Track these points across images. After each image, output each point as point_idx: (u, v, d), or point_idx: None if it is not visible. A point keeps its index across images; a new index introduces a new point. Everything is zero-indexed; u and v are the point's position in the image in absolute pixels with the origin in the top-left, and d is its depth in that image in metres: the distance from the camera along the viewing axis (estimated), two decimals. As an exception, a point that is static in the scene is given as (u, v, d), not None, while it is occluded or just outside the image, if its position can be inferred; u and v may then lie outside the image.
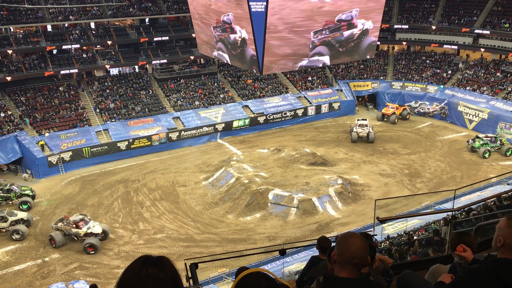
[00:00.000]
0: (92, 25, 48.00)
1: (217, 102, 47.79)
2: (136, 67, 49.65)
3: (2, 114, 40.16)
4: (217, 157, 40.40)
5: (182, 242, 28.39)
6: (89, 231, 27.92)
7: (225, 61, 15.27)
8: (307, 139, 44.64)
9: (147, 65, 49.72)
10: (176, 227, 30.21)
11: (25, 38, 43.61)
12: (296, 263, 23.50)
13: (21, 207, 31.78)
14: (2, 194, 32.43)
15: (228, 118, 46.02)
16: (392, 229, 25.87)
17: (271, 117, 47.82)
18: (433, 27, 53.29)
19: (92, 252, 27.26)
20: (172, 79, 49.54)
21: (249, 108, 47.95)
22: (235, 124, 46.00)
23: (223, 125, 45.45)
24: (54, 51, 45.25)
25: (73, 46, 45.42)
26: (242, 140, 44.95)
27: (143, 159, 40.72)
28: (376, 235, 19.23)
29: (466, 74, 50.86)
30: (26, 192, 33.03)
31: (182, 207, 32.67)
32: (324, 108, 50.56)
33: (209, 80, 50.56)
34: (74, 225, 27.94)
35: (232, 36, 14.11)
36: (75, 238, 28.06)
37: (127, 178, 37.20)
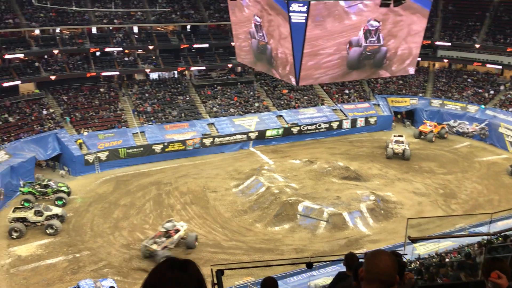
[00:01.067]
0: (135, 29, 49.21)
1: (252, 111, 48.02)
2: (175, 72, 50.51)
3: (45, 112, 41.57)
4: (249, 165, 40.48)
5: (209, 248, 28.50)
6: (185, 228, 28.51)
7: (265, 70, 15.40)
8: (341, 153, 44.19)
9: (186, 71, 50.53)
10: (204, 232, 30.36)
11: (71, 39, 45.12)
12: (322, 278, 23.20)
13: (56, 203, 32.66)
14: (39, 189, 33.46)
15: (262, 127, 46.11)
16: (423, 249, 25.20)
17: (305, 128, 47.62)
18: (477, 46, 52.02)
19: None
20: (209, 85, 50.14)
21: (283, 118, 47.93)
22: (268, 133, 46.05)
23: (256, 133, 45.57)
24: (97, 53, 46.64)
25: (116, 49, 46.72)
26: (274, 150, 44.91)
27: (177, 162, 41.24)
28: (406, 254, 18.80)
29: (509, 95, 49.31)
30: (62, 188, 33.97)
31: (211, 213, 32.84)
32: (360, 122, 49.99)
33: (245, 89, 50.90)
34: (175, 232, 27.66)
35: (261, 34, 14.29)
36: (171, 246, 27.18)
37: (160, 181, 37.73)
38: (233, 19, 16.08)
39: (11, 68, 42.25)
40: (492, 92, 50.63)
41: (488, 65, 51.97)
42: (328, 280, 21.35)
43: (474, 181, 38.40)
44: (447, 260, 18.31)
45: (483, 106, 48.99)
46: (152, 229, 30.46)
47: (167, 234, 27.27)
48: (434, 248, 25.14)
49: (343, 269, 6.08)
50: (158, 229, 28.24)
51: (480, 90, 51.47)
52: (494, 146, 45.82)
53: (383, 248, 24.86)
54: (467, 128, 48.39)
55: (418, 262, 20.14)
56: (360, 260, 5.28)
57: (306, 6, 12.30)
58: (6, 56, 41.24)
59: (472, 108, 49.45)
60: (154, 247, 26.38)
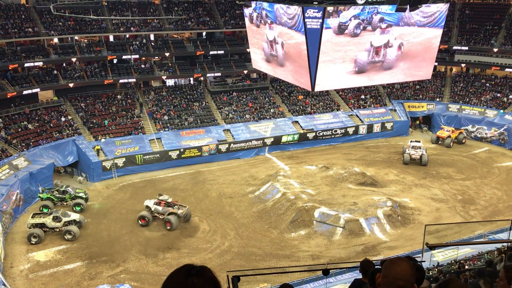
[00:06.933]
0: (152, 37, 49.71)
1: (267, 117, 48.05)
2: (191, 79, 50.84)
3: (63, 119, 42.16)
4: (264, 171, 40.45)
5: (225, 254, 28.51)
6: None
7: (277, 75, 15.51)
8: (357, 158, 43.91)
9: (202, 78, 50.83)
10: (220, 238, 30.40)
11: (89, 47, 45.74)
12: (339, 284, 23.04)
13: (74, 209, 33.05)
14: (58, 195, 33.88)
15: (277, 132, 46.09)
16: (442, 256, 24.88)
17: (321, 133, 47.45)
18: (495, 50, 51.35)
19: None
20: (225, 92, 50.35)
21: (298, 123, 47.86)
22: (284, 139, 45.99)
23: (272, 139, 45.55)
24: (115, 61, 47.22)
25: (133, 56, 47.21)
26: (290, 156, 44.82)
27: (193, 168, 41.41)
28: (424, 261, 18.56)
29: (529, 100, 48.55)
30: (80, 194, 34.34)
31: (227, 219, 32.86)
32: (376, 128, 49.64)
33: (261, 95, 50.98)
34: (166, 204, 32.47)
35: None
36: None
37: (176, 187, 37.91)
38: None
39: (31, 76, 43.02)
40: (511, 96, 49.89)
41: (506, 69, 51.24)
42: (345, 287, 21.21)
43: (493, 187, 37.80)
44: (466, 267, 18.02)
45: (502, 111, 48.28)
46: (167, 235, 30.59)
47: (169, 203, 32.28)
48: (453, 255, 24.81)
49: (360, 276, 6.04)
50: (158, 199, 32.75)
51: (498, 95, 50.77)
52: (514, 152, 45.11)
53: (401, 255, 24.58)
54: (486, 133, 47.70)
55: (436, 270, 19.86)
56: (377, 267, 5.24)
57: (321, 12, 12.30)
58: (26, 64, 42.02)
59: (491, 113, 48.76)
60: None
